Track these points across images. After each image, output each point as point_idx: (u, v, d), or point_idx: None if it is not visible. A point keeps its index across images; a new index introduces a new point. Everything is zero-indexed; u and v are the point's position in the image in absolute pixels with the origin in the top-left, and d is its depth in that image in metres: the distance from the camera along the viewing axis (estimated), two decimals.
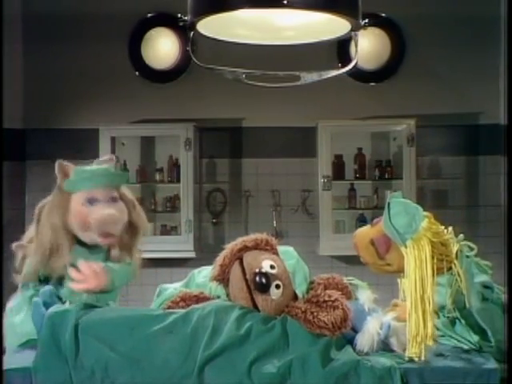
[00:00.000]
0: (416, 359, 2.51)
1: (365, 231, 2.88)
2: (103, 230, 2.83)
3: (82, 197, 2.84)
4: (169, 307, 2.76)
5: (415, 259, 2.61)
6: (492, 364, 2.51)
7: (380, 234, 2.77)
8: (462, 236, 2.83)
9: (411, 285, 2.60)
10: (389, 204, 2.74)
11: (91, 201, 2.84)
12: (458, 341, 2.71)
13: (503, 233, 5.26)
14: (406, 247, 2.64)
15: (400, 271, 2.72)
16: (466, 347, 2.69)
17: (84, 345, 2.47)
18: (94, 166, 2.95)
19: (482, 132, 6.46)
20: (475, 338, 2.68)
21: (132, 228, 3.00)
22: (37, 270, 2.83)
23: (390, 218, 2.70)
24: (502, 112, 6.27)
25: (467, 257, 2.79)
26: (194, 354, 2.43)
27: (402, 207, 2.74)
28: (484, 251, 2.95)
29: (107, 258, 2.95)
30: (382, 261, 2.79)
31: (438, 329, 2.73)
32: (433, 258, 2.63)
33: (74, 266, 2.80)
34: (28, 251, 2.91)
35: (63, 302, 2.72)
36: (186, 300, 2.77)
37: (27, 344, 2.68)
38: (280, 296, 2.59)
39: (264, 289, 2.58)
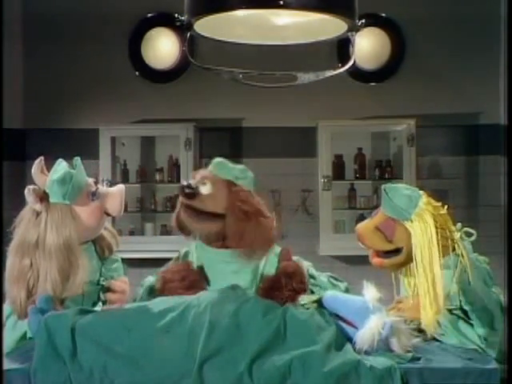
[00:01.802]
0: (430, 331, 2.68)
1: (366, 222, 2.90)
2: (122, 205, 2.94)
3: (86, 195, 2.84)
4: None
5: (421, 232, 2.69)
6: (492, 364, 2.49)
7: (383, 219, 2.80)
8: (459, 224, 2.86)
9: (419, 258, 2.67)
10: (385, 190, 2.82)
11: (94, 193, 2.86)
12: (461, 340, 2.71)
13: (503, 233, 5.26)
14: (411, 221, 2.71)
15: (409, 257, 2.74)
16: (468, 346, 2.69)
17: (81, 347, 2.46)
18: (61, 168, 2.85)
19: (482, 132, 6.46)
20: (479, 331, 2.68)
21: None
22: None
23: (390, 199, 2.77)
24: (502, 112, 6.27)
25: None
26: (192, 352, 2.42)
27: (398, 188, 2.83)
28: (484, 251, 2.95)
29: (96, 251, 2.97)
30: (391, 244, 2.79)
31: (439, 324, 2.74)
32: (437, 231, 2.70)
33: (104, 289, 2.87)
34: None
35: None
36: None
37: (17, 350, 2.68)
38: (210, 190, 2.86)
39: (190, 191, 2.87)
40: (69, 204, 2.77)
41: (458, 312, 2.77)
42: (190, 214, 2.93)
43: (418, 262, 2.69)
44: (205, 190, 2.88)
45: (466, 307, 2.73)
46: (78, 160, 2.84)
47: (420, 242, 2.69)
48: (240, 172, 3.01)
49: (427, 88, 6.41)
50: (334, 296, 2.73)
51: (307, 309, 2.68)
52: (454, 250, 2.76)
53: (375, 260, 2.85)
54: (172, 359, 2.42)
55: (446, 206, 2.83)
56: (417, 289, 2.75)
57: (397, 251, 2.79)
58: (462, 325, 2.73)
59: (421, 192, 2.81)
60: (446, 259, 2.75)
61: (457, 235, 2.79)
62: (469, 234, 2.83)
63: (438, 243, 2.69)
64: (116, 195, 2.94)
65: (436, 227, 2.70)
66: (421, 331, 2.76)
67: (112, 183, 6.11)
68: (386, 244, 2.79)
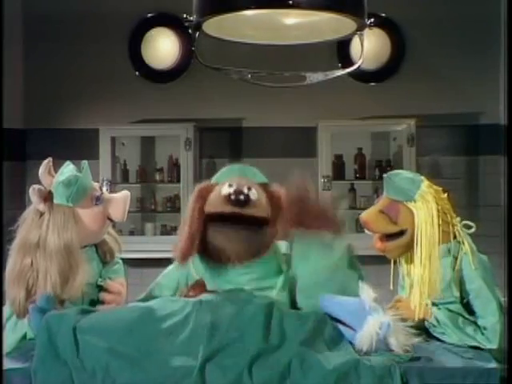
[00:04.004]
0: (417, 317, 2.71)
1: (371, 209, 2.93)
2: (125, 211, 2.91)
3: (90, 199, 2.83)
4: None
5: (425, 212, 2.73)
6: (492, 364, 2.50)
7: (387, 203, 2.84)
8: (459, 219, 2.89)
9: (420, 238, 2.72)
10: (388, 176, 2.87)
11: (98, 198, 2.85)
12: (461, 337, 2.72)
13: (503, 233, 5.26)
14: (415, 202, 2.76)
15: (412, 239, 2.77)
16: (468, 343, 2.70)
17: (84, 346, 2.46)
18: (68, 170, 2.85)
19: (482, 132, 6.46)
20: (480, 321, 2.71)
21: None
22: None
23: (393, 182, 2.82)
24: (501, 112, 6.27)
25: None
26: (194, 353, 2.43)
27: (401, 173, 2.92)
28: (484, 251, 2.96)
29: (97, 253, 2.96)
30: (396, 226, 2.80)
31: (439, 323, 2.76)
32: (438, 214, 2.74)
33: (100, 288, 2.86)
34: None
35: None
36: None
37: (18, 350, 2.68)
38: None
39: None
40: (72, 207, 2.77)
41: (458, 306, 2.79)
42: (238, 227, 2.73)
43: (418, 241, 2.73)
44: (253, 195, 2.74)
45: (467, 295, 2.76)
46: (85, 164, 2.85)
47: (423, 222, 2.73)
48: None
49: (427, 88, 6.41)
50: (329, 298, 2.73)
51: None
52: (454, 237, 2.79)
53: (378, 245, 2.87)
54: (174, 360, 2.43)
55: (446, 193, 2.87)
56: (415, 276, 2.78)
57: (401, 234, 2.81)
58: (461, 322, 2.74)
59: (422, 177, 2.86)
60: (448, 245, 2.79)
61: (457, 223, 2.83)
62: (468, 227, 2.86)
63: (439, 225, 2.73)
64: (120, 201, 2.93)
65: (438, 210, 2.74)
66: (420, 330, 2.78)
67: (112, 183, 6.12)
68: (391, 226, 2.81)
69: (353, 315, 2.59)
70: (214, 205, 2.75)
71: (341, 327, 2.62)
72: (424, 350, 2.59)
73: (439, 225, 2.73)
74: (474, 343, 2.69)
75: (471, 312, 2.77)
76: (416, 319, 2.72)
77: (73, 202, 2.76)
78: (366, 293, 2.64)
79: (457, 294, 2.78)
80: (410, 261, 2.82)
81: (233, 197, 2.69)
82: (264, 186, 2.87)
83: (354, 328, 2.57)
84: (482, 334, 2.68)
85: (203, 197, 2.82)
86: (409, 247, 2.80)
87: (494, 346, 2.66)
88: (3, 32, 4.86)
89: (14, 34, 6.21)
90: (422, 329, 2.79)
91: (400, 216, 2.79)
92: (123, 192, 2.99)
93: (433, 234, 2.72)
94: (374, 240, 2.90)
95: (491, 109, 6.37)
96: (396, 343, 2.53)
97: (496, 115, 6.34)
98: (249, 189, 2.74)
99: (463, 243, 2.78)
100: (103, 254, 2.96)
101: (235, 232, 2.73)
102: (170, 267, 3.05)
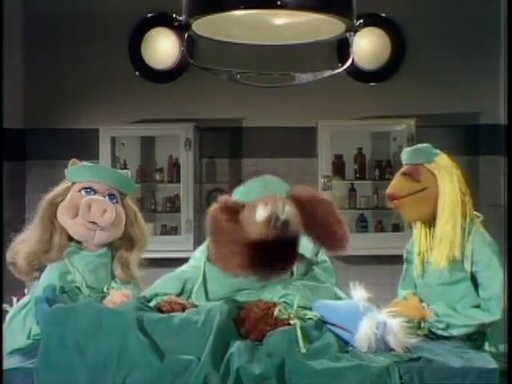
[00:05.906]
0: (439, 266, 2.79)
1: (392, 181, 3.02)
2: (89, 217, 2.85)
3: (80, 185, 2.90)
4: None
5: (445, 172, 2.84)
6: (492, 364, 2.51)
7: (407, 167, 2.94)
8: None
9: (445, 195, 2.81)
10: (405, 149, 3.01)
11: (87, 190, 2.87)
12: (464, 321, 2.78)
13: (503, 233, 5.25)
14: (435, 163, 2.86)
15: (430, 199, 2.85)
16: (472, 323, 2.77)
17: (92, 340, 2.49)
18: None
19: (482, 132, 6.47)
20: (484, 293, 2.78)
21: (130, 242, 3.01)
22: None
23: (412, 149, 2.95)
24: (501, 112, 6.26)
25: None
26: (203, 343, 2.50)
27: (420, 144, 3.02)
28: None
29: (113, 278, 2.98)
30: (419, 184, 2.87)
31: (439, 317, 2.80)
32: (458, 180, 2.85)
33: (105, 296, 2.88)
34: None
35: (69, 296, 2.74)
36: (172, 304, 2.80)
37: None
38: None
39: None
40: (72, 184, 2.97)
41: (468, 284, 2.84)
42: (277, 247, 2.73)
43: (442, 199, 2.81)
44: (288, 215, 2.72)
45: (477, 268, 2.81)
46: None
47: (445, 179, 2.82)
48: None
49: (427, 88, 6.41)
50: (323, 304, 2.74)
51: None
52: (464, 216, 2.85)
53: (395, 202, 2.95)
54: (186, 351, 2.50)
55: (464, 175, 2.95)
56: (430, 243, 2.85)
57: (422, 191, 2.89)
58: (460, 307, 2.81)
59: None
60: (463, 220, 2.85)
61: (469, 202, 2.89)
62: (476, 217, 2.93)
63: (460, 189, 2.84)
64: (88, 198, 2.92)
65: (457, 176, 2.87)
66: (420, 330, 2.78)
67: None
68: (415, 184, 2.88)
69: (348, 318, 2.60)
70: (252, 231, 2.72)
71: (339, 331, 2.62)
72: (424, 350, 2.60)
73: (460, 189, 2.83)
74: (476, 322, 2.76)
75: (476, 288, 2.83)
76: (443, 265, 2.81)
77: (68, 178, 2.98)
78: (359, 293, 2.65)
79: (468, 267, 2.83)
80: (427, 225, 2.89)
81: (271, 224, 2.66)
82: (289, 195, 2.84)
83: (350, 331, 2.57)
84: (483, 310, 2.76)
85: (230, 212, 2.79)
86: (424, 207, 2.87)
87: (496, 317, 2.73)
88: (3, 32, 4.87)
89: (13, 33, 6.21)
90: (423, 329, 2.80)
91: (422, 175, 2.87)
92: (101, 199, 2.94)
93: (455, 195, 2.80)
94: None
95: (491, 109, 6.36)
96: (394, 341, 2.54)
97: (496, 115, 6.33)
98: (283, 209, 2.72)
99: (475, 220, 2.86)
100: (116, 269, 2.97)
101: (274, 254, 2.73)
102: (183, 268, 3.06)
